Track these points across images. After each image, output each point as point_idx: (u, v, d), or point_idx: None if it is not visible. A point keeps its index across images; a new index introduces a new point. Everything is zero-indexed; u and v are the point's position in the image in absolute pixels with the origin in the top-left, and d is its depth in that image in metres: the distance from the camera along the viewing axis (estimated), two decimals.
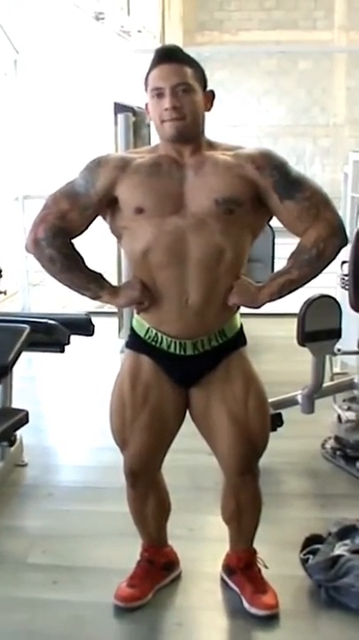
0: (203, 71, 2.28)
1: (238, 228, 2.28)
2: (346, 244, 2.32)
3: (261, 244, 5.56)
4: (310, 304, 3.48)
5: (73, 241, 2.37)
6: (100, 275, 2.37)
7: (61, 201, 2.33)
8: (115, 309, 5.88)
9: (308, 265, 2.28)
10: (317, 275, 2.33)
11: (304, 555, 2.82)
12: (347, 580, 2.64)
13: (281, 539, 3.04)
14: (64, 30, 9.80)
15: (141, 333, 2.41)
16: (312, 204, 2.25)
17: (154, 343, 2.38)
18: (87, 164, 2.34)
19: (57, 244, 2.31)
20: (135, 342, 2.44)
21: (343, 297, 3.90)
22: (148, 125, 5.75)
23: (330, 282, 5.19)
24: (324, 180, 15.62)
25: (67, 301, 7.68)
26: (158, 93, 2.21)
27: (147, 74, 2.25)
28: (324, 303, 3.51)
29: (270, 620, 2.58)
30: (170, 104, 2.18)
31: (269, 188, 2.23)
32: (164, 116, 2.20)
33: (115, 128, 5.54)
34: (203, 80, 2.27)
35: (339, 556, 2.72)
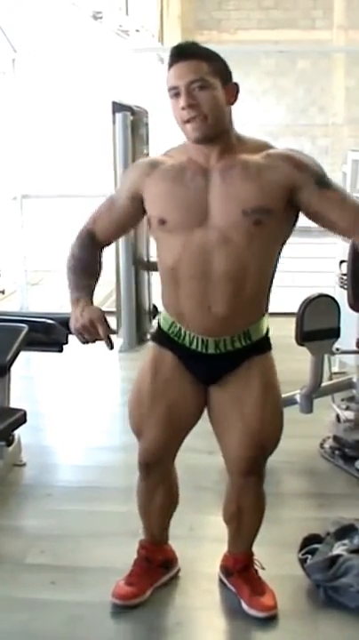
0: (224, 63, 2.19)
1: (266, 239, 2.22)
2: None
3: None
4: (309, 303, 3.47)
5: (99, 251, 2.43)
6: (90, 290, 2.33)
7: (103, 205, 2.42)
8: (113, 309, 5.88)
9: None
10: None
11: (302, 555, 2.82)
12: (346, 580, 2.64)
13: (279, 538, 3.03)
14: (62, 29, 9.78)
15: (165, 328, 2.41)
16: (351, 199, 2.25)
17: (177, 338, 2.38)
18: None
19: (78, 244, 2.40)
20: (159, 336, 2.45)
21: (342, 296, 3.89)
22: (146, 124, 5.75)
23: (328, 281, 5.20)
24: None
25: (65, 301, 7.69)
26: (175, 93, 2.13)
27: (168, 74, 2.19)
28: (323, 302, 3.50)
29: (269, 620, 2.58)
30: (185, 102, 2.11)
31: (309, 182, 2.18)
32: (184, 115, 2.13)
33: (113, 127, 5.54)
34: (224, 73, 2.17)
35: (338, 556, 2.72)
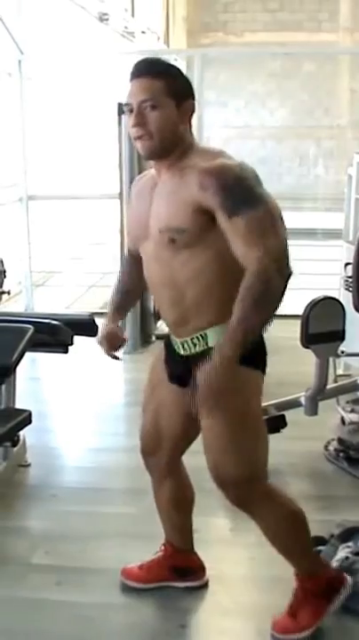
0: (183, 82, 2.19)
1: (191, 253, 2.17)
2: (287, 274, 2.10)
3: None
4: (314, 306, 3.48)
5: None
6: (115, 306, 2.60)
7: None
8: None
9: (248, 301, 2.04)
10: (269, 308, 2.08)
11: None
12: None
13: None
14: (68, 31, 9.80)
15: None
16: (258, 224, 2.06)
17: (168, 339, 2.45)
18: None
19: (122, 263, 2.67)
20: (167, 336, 2.49)
21: (347, 299, 3.90)
22: None
23: (333, 283, 5.20)
24: (328, 181, 15.64)
25: (70, 302, 7.70)
26: (129, 109, 2.17)
27: None
28: (328, 305, 3.51)
29: (271, 621, 2.57)
30: (133, 121, 2.15)
31: (216, 207, 2.08)
32: (132, 133, 2.19)
33: (118, 128, 5.56)
34: (181, 92, 2.17)
35: (344, 559, 2.71)
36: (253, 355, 2.21)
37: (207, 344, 2.24)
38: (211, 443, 2.32)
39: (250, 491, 2.34)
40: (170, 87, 2.15)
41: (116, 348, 2.58)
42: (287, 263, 2.10)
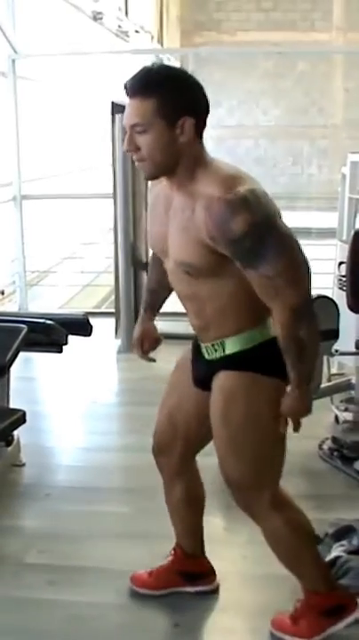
0: (180, 96, 2.05)
1: (205, 279, 2.17)
2: (310, 321, 2.11)
3: None
4: None
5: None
6: (147, 305, 2.63)
7: None
8: (112, 310, 5.88)
9: (289, 353, 2.11)
10: (309, 352, 2.12)
11: None
12: (344, 582, 2.64)
13: None
14: (62, 30, 9.79)
15: None
16: (271, 285, 2.05)
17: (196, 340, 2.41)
18: None
19: (150, 262, 2.64)
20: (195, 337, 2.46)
21: (340, 298, 3.90)
22: None
23: (327, 283, 5.20)
24: (321, 180, 15.67)
25: (64, 301, 7.70)
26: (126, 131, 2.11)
27: None
28: (322, 304, 3.51)
29: (266, 620, 2.58)
30: (125, 147, 2.10)
31: (230, 255, 2.06)
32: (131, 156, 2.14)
33: (112, 128, 5.55)
34: (176, 108, 2.03)
35: (336, 558, 2.72)
36: (264, 361, 2.22)
37: (224, 351, 2.25)
38: (218, 444, 2.32)
39: (253, 498, 2.34)
40: (161, 106, 2.01)
41: (151, 349, 2.60)
42: (309, 311, 2.12)
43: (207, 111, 2.10)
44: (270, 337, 2.19)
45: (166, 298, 2.63)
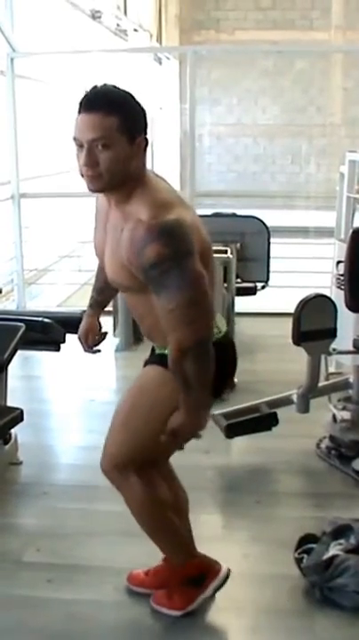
0: (137, 113, 2.11)
1: (139, 297, 2.27)
2: (198, 360, 2.13)
3: (257, 243, 5.63)
4: (306, 304, 3.49)
5: None
6: (98, 302, 2.74)
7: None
8: (110, 308, 5.87)
9: (175, 379, 2.17)
10: (194, 384, 2.14)
11: (298, 554, 2.83)
12: (342, 581, 2.65)
13: (275, 538, 3.05)
14: (61, 29, 9.77)
15: None
16: (168, 317, 2.12)
17: None
18: None
19: (98, 266, 2.61)
20: None
21: (338, 297, 3.90)
22: None
23: (325, 281, 5.21)
24: (320, 179, 15.66)
25: (62, 300, 7.69)
26: (79, 144, 2.11)
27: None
28: (320, 303, 3.52)
29: (266, 618, 2.58)
30: (84, 161, 2.09)
31: (142, 279, 2.13)
32: (81, 170, 2.13)
33: None
34: (134, 125, 2.10)
35: (334, 557, 2.72)
36: None
37: (154, 350, 2.44)
38: (115, 415, 2.49)
39: (119, 466, 2.43)
40: (123, 123, 2.06)
41: (96, 343, 2.77)
42: (205, 345, 2.13)
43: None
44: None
45: (112, 297, 2.80)
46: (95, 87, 2.11)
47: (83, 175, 2.14)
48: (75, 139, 2.11)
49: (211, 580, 2.61)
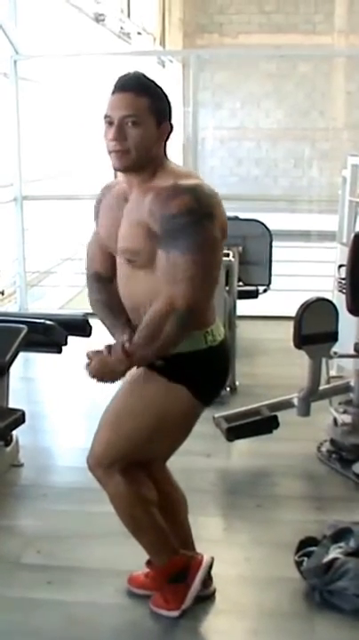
0: (165, 102, 2.22)
1: (144, 275, 2.24)
2: (187, 327, 2.17)
3: (259, 246, 5.63)
4: (307, 307, 3.49)
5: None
6: (125, 322, 2.39)
7: (90, 246, 2.49)
8: None
9: (144, 330, 2.19)
10: (157, 347, 2.18)
11: (299, 557, 2.83)
12: (342, 584, 2.65)
13: (276, 540, 3.05)
14: (64, 32, 9.79)
15: None
16: (174, 272, 2.13)
17: None
18: None
19: (93, 289, 2.49)
20: None
21: (340, 300, 3.91)
22: None
23: (327, 285, 5.21)
24: (322, 183, 15.66)
25: (64, 302, 7.70)
26: (109, 122, 2.19)
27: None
28: (321, 306, 3.52)
29: (266, 621, 2.59)
30: (113, 135, 2.17)
31: (158, 232, 2.15)
32: (109, 146, 2.20)
33: None
34: (162, 111, 2.21)
35: (334, 560, 2.72)
36: (176, 369, 2.30)
37: None
38: (104, 415, 2.50)
39: (105, 464, 2.43)
40: (152, 105, 2.18)
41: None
42: (191, 318, 2.16)
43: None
44: (196, 349, 2.28)
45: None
46: (128, 72, 2.22)
47: (110, 152, 2.20)
48: (106, 116, 2.19)
49: (195, 572, 2.60)
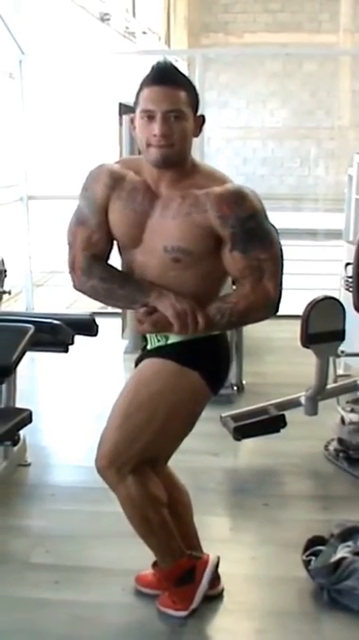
0: (196, 94, 2.22)
1: (187, 273, 2.25)
2: (270, 313, 2.29)
3: None
4: (314, 305, 3.48)
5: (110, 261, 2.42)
6: (141, 282, 2.32)
7: (78, 231, 2.37)
8: (118, 310, 5.87)
9: (227, 316, 2.25)
10: (229, 327, 2.37)
11: (306, 556, 2.82)
12: (350, 583, 2.64)
13: (283, 540, 3.05)
14: (69, 31, 9.80)
15: None
16: (260, 267, 2.21)
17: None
18: (83, 183, 2.37)
19: (95, 274, 2.35)
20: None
21: (347, 299, 3.90)
22: None
23: (334, 283, 5.20)
24: (328, 182, 15.64)
25: (70, 302, 7.70)
26: (149, 116, 2.14)
27: (140, 90, 2.17)
28: (328, 305, 3.51)
29: (273, 620, 2.58)
30: (160, 131, 2.13)
31: (226, 237, 2.19)
32: (152, 141, 2.15)
33: (119, 129, 5.56)
34: (195, 104, 2.20)
35: (342, 559, 2.72)
36: (193, 355, 2.33)
37: (167, 341, 2.36)
38: (112, 411, 2.46)
39: (115, 465, 2.38)
40: (190, 98, 2.18)
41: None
42: (274, 306, 2.27)
43: None
44: (212, 335, 2.32)
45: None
46: (160, 63, 2.18)
47: (149, 146, 2.17)
48: (146, 110, 2.15)
49: (202, 571, 2.59)
